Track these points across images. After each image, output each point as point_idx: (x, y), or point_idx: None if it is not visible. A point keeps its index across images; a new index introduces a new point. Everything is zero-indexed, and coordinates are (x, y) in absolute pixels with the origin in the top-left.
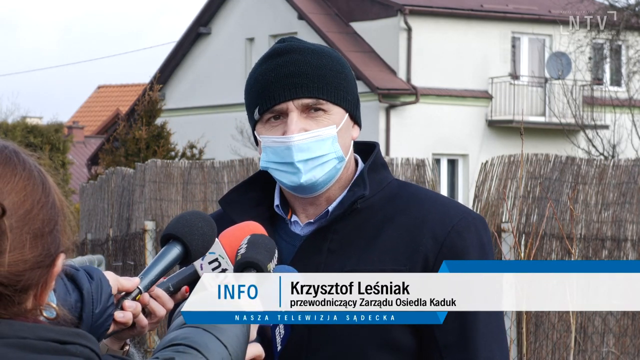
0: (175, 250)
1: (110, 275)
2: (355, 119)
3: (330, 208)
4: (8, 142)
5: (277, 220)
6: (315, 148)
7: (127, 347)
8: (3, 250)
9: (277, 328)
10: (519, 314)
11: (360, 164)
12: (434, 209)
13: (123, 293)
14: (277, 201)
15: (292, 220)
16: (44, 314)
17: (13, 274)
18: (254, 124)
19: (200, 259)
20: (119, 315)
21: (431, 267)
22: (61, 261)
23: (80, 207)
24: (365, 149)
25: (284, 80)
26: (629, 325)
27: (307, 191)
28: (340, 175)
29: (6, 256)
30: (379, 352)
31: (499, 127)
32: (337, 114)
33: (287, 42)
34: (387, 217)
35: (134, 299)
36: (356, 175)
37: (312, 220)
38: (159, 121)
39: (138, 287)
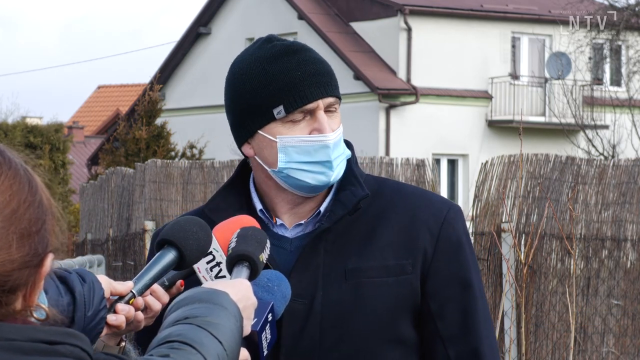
0: (170, 255)
1: (103, 279)
2: None
3: (322, 208)
4: None
5: (260, 224)
6: (341, 146)
7: (123, 343)
8: None
9: (264, 332)
10: (518, 314)
11: None
12: (420, 203)
13: (116, 297)
14: (259, 205)
15: (278, 223)
16: (34, 315)
17: (0, 275)
18: (263, 121)
19: None
20: (111, 318)
21: (430, 259)
22: (50, 261)
23: (80, 207)
24: None
25: (313, 78)
26: (629, 325)
27: (318, 190)
28: None
29: None
30: (389, 347)
31: (499, 127)
32: (339, 111)
33: (286, 40)
34: (377, 213)
35: (127, 302)
36: (343, 173)
37: (302, 222)
38: (159, 121)
39: (132, 291)
